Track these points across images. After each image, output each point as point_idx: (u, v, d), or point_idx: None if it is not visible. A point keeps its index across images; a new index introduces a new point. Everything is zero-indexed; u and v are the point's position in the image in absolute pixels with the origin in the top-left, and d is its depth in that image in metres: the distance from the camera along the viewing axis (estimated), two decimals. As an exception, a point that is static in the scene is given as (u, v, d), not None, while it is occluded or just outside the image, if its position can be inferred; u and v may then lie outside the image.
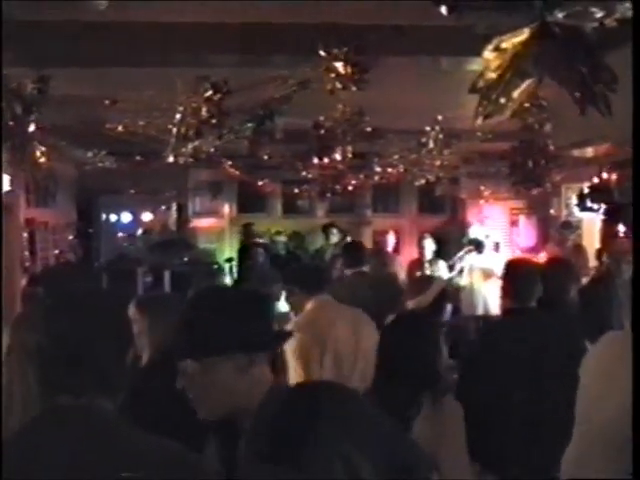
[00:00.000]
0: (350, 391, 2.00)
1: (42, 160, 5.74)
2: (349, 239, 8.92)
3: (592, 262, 7.61)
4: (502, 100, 2.17)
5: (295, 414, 1.73)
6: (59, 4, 3.86)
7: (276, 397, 1.78)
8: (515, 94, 2.21)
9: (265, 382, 1.81)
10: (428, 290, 4.81)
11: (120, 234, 10.62)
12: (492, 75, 2.17)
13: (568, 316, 4.10)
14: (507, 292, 3.98)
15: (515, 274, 3.99)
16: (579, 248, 8.68)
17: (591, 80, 1.96)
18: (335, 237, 9.10)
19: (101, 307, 1.68)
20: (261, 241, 9.33)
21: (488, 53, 2.19)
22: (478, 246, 8.89)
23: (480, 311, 8.12)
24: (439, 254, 8.59)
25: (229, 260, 9.61)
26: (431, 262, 8.26)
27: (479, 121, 2.23)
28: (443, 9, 2.07)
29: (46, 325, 1.63)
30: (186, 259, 9.67)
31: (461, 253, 8.93)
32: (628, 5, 1.92)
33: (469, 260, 8.72)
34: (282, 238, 9.62)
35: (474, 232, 9.86)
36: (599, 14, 1.95)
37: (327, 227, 9.39)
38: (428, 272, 8.14)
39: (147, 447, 1.52)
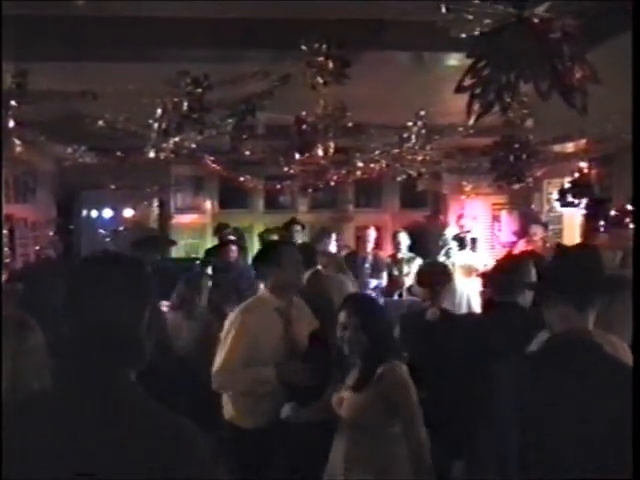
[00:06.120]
0: None
1: (21, 156, 5.68)
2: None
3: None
4: (491, 98, 2.17)
5: None
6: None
7: None
8: (505, 92, 2.22)
9: None
10: None
11: (101, 230, 10.48)
12: (476, 73, 2.17)
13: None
14: (494, 286, 3.99)
15: (504, 268, 4.00)
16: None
17: (567, 75, 1.97)
18: (299, 235, 8.37)
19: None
20: (234, 238, 9.10)
21: (469, 49, 2.20)
22: (460, 242, 8.87)
23: (464, 309, 7.96)
24: (418, 250, 8.54)
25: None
26: (408, 259, 8.17)
27: (472, 120, 2.24)
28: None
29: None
30: (168, 255, 9.58)
31: (442, 251, 8.94)
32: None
33: (450, 257, 8.70)
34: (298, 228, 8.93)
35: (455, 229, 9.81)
36: (579, 9, 1.96)
37: (290, 224, 8.53)
38: (405, 267, 8.06)
39: (159, 420, 1.59)
